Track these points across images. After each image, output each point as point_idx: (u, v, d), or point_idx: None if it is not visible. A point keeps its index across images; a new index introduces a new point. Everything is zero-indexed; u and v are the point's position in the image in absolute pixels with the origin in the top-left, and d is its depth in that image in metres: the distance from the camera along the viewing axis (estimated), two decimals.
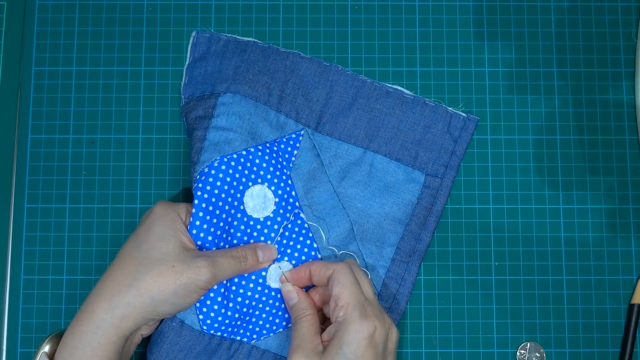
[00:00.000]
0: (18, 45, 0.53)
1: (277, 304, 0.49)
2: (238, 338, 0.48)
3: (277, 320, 0.48)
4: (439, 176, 0.50)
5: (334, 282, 0.44)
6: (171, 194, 0.52)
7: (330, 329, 0.44)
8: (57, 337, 0.44)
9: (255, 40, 0.52)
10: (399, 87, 0.51)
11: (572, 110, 0.52)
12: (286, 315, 0.48)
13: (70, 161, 0.52)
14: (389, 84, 0.52)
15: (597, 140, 0.52)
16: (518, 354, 0.50)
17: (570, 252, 0.51)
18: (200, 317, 0.47)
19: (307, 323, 0.45)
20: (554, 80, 0.53)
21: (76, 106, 0.52)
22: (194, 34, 0.52)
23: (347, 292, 0.43)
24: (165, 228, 0.44)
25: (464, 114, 0.51)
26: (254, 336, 0.48)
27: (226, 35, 0.52)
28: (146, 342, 0.49)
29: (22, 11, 0.53)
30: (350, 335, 0.42)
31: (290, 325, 0.48)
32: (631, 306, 0.50)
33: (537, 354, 0.50)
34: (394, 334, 0.44)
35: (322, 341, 0.44)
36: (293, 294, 0.47)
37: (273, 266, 0.49)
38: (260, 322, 0.48)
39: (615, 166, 0.52)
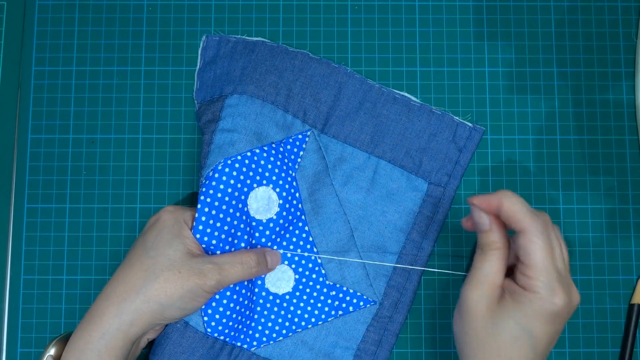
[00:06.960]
0: (18, 45, 0.53)
1: (275, 309, 0.48)
2: (239, 344, 0.48)
3: (277, 328, 0.48)
4: (442, 185, 0.50)
5: (525, 247, 0.39)
6: (171, 193, 0.52)
7: (510, 285, 0.40)
8: (63, 340, 0.44)
9: (264, 40, 0.52)
10: (406, 94, 0.51)
11: (572, 110, 0.52)
12: (286, 324, 0.48)
13: (70, 161, 0.52)
14: (390, 85, 0.52)
15: (597, 140, 0.52)
16: None
17: (570, 252, 0.51)
18: (205, 319, 0.46)
19: (495, 258, 0.40)
20: (554, 80, 0.53)
21: (76, 106, 0.52)
22: (204, 37, 0.52)
23: (539, 264, 0.38)
24: (172, 236, 0.45)
25: (470, 124, 0.51)
26: (254, 343, 0.48)
27: (235, 37, 0.52)
28: (150, 344, 0.49)
29: (22, 11, 0.53)
30: (532, 308, 0.38)
31: (290, 334, 0.48)
32: (631, 306, 0.50)
33: None
34: (575, 304, 0.40)
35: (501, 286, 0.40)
36: (485, 219, 0.41)
37: None
38: (260, 328, 0.48)
39: (615, 166, 0.52)
